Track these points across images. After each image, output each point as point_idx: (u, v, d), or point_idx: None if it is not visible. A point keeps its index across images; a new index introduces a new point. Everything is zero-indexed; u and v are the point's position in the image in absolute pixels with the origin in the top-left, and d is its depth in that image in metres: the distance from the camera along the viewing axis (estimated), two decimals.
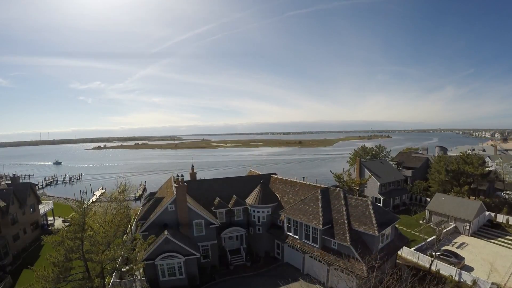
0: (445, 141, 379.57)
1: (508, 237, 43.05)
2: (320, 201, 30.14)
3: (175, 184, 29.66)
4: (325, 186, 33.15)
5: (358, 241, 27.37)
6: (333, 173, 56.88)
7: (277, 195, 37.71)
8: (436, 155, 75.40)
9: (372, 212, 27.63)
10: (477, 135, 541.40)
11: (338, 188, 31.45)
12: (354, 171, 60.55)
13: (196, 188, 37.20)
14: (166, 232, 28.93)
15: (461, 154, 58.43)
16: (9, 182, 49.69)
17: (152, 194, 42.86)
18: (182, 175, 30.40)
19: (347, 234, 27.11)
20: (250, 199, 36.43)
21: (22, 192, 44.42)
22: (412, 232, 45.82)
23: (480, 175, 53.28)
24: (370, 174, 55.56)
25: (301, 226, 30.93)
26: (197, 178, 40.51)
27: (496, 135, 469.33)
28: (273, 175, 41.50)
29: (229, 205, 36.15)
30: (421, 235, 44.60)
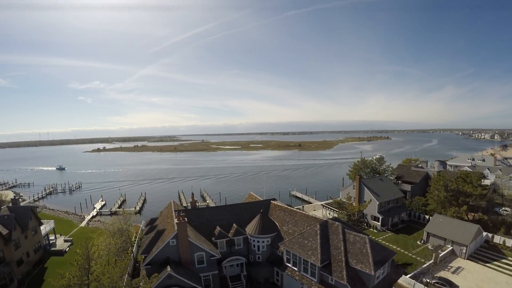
0: (444, 143, 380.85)
1: (503, 260, 43.69)
2: (319, 236, 30.72)
3: (176, 221, 30.22)
4: (323, 219, 33.70)
5: (355, 278, 27.96)
6: (332, 198, 57.96)
7: (277, 223, 38.27)
8: (435, 169, 75.99)
9: (369, 250, 28.23)
10: (476, 136, 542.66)
11: (336, 223, 32.00)
12: (354, 188, 61.18)
13: (196, 217, 37.75)
14: (168, 268, 29.48)
15: (461, 173, 58.89)
16: (10, 205, 49.97)
17: (153, 220, 43.38)
18: (182, 212, 30.98)
19: (344, 272, 27.71)
20: (250, 229, 37.00)
21: (24, 216, 44.70)
22: (410, 254, 46.43)
23: (478, 195, 53.74)
24: (370, 199, 56.22)
25: (300, 259, 31.52)
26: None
27: (495, 137, 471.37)
28: (273, 201, 41.96)
29: (229, 235, 36.69)
30: (417, 258, 45.43)
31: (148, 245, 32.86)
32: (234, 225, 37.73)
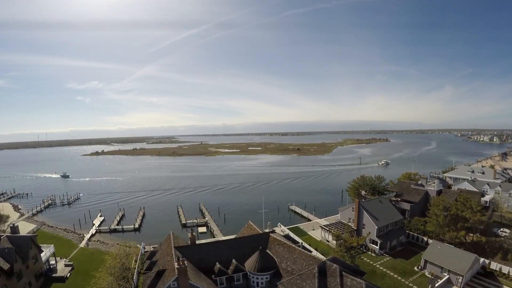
0: (443, 146, 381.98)
1: None
2: (316, 279, 31.12)
3: (177, 265, 30.56)
4: (321, 260, 34.09)
5: None
6: (331, 232, 59.26)
7: (276, 259, 38.62)
8: (435, 188, 76.52)
9: None
10: (475, 138, 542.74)
11: (334, 265, 32.38)
12: (353, 211, 61.59)
13: (196, 253, 38.13)
14: None
15: (460, 195, 59.17)
16: (10, 233, 49.98)
17: (153, 254, 43.71)
18: (182, 257, 31.38)
19: None
20: (249, 265, 37.40)
21: (24, 247, 44.81)
22: (406, 282, 46.80)
23: (477, 220, 54.00)
24: (369, 232, 56.82)
25: None
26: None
27: (494, 139, 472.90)
28: (272, 234, 42.32)
29: (228, 271, 37.09)
30: (414, 287, 45.85)
31: (149, 286, 33.19)
32: (234, 261, 38.07)
